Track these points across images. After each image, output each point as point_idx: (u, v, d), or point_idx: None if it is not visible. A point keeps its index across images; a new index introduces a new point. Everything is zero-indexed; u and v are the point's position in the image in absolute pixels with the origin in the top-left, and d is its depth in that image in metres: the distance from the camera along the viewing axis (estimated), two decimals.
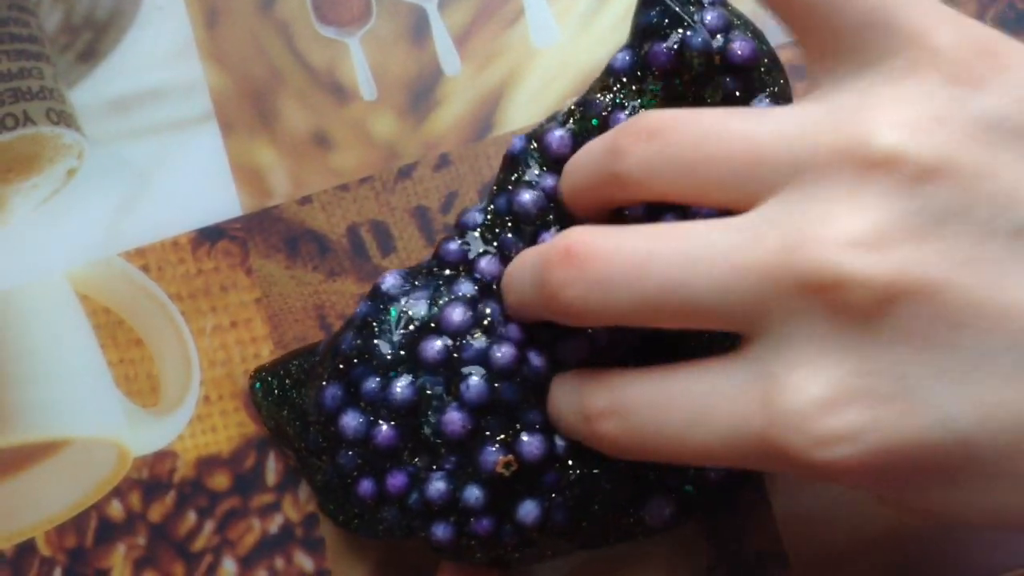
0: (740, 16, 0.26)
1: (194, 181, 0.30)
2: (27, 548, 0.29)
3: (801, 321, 0.18)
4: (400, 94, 0.30)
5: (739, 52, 0.25)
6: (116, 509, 0.29)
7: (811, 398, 0.17)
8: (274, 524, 0.29)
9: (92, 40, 0.31)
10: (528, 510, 0.24)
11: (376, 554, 0.28)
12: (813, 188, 0.18)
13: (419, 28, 0.30)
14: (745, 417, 0.18)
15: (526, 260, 0.23)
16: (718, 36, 0.25)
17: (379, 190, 0.29)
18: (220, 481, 0.29)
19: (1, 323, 0.30)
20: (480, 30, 0.30)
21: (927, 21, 0.19)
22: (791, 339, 0.18)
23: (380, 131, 0.30)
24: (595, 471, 0.25)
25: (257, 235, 0.30)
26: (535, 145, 0.26)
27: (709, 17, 0.25)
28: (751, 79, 0.25)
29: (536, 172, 0.26)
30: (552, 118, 0.26)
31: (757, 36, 0.26)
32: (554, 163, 0.26)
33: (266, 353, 0.29)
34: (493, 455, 0.24)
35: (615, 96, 0.26)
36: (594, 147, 0.22)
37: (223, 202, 0.30)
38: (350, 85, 0.30)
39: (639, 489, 0.25)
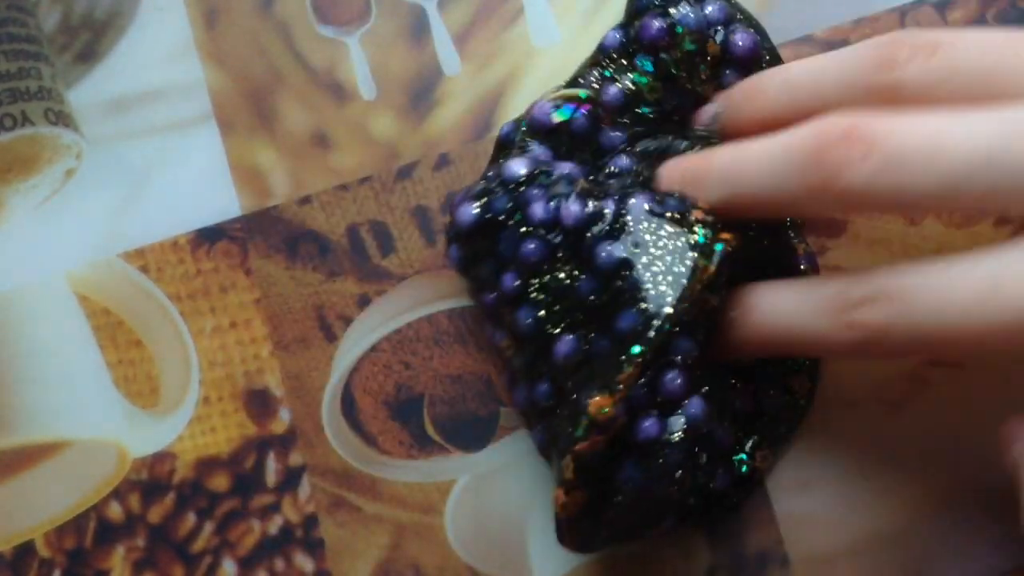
0: (743, 11, 0.26)
1: (193, 181, 0.30)
2: (26, 549, 0.29)
3: None
4: (400, 94, 0.30)
5: (740, 44, 0.25)
6: (115, 510, 0.29)
7: None
8: (274, 525, 0.29)
9: (91, 40, 0.30)
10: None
11: (376, 554, 0.28)
12: None
13: (419, 28, 0.30)
14: None
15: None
16: (719, 28, 0.25)
17: (379, 190, 0.29)
18: (220, 482, 0.29)
19: (0, 324, 0.30)
20: (480, 30, 0.30)
21: None
22: None
23: (380, 131, 0.30)
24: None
25: (257, 235, 0.30)
26: (524, 128, 0.26)
27: (710, 8, 0.25)
28: (752, 72, 0.25)
29: (526, 143, 0.26)
30: (541, 99, 0.27)
31: (758, 31, 0.26)
32: (542, 135, 0.26)
33: (265, 354, 0.29)
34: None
35: (605, 70, 0.26)
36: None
37: (222, 202, 0.30)
38: (350, 85, 0.30)
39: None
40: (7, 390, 0.29)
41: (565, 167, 0.25)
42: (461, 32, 0.30)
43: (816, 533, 0.27)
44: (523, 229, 0.24)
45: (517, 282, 0.24)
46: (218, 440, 0.29)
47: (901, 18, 0.28)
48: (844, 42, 0.28)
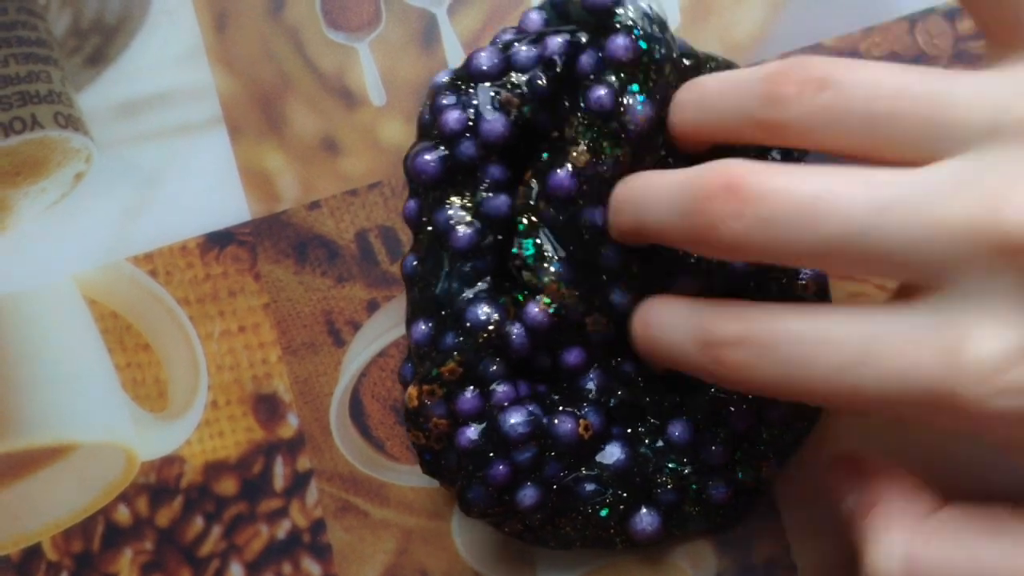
0: (658, 20, 0.25)
1: (202, 186, 0.30)
2: (34, 553, 0.29)
3: (995, 279, 0.18)
4: (409, 99, 0.30)
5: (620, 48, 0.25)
6: (123, 514, 0.29)
7: (997, 351, 0.18)
8: (281, 530, 0.29)
9: (101, 44, 0.30)
10: (529, 494, 0.25)
11: (383, 559, 0.28)
12: (1010, 151, 0.18)
13: (429, 33, 0.30)
14: (918, 363, 0.18)
15: (663, 185, 0.22)
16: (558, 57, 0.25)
17: (388, 196, 0.29)
18: (227, 486, 0.29)
19: (9, 327, 0.30)
20: (490, 35, 0.30)
21: None
22: (981, 295, 0.18)
23: (389, 136, 0.30)
24: (589, 476, 0.25)
25: (266, 240, 0.30)
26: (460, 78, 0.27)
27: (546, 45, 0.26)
28: (632, 74, 0.25)
29: (462, 91, 0.26)
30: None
31: (649, 39, 0.25)
32: (476, 76, 0.26)
33: (274, 358, 0.29)
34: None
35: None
36: (740, 88, 0.22)
37: (231, 207, 0.30)
38: (359, 90, 0.30)
39: (630, 499, 0.26)
40: (15, 393, 0.29)
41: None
42: (471, 38, 0.30)
43: (824, 542, 0.27)
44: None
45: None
46: (226, 444, 0.29)
47: (911, 27, 0.28)
48: (853, 51, 0.28)
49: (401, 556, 0.28)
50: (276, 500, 0.29)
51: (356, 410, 0.29)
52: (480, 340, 0.25)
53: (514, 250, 0.25)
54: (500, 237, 0.26)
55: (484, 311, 0.25)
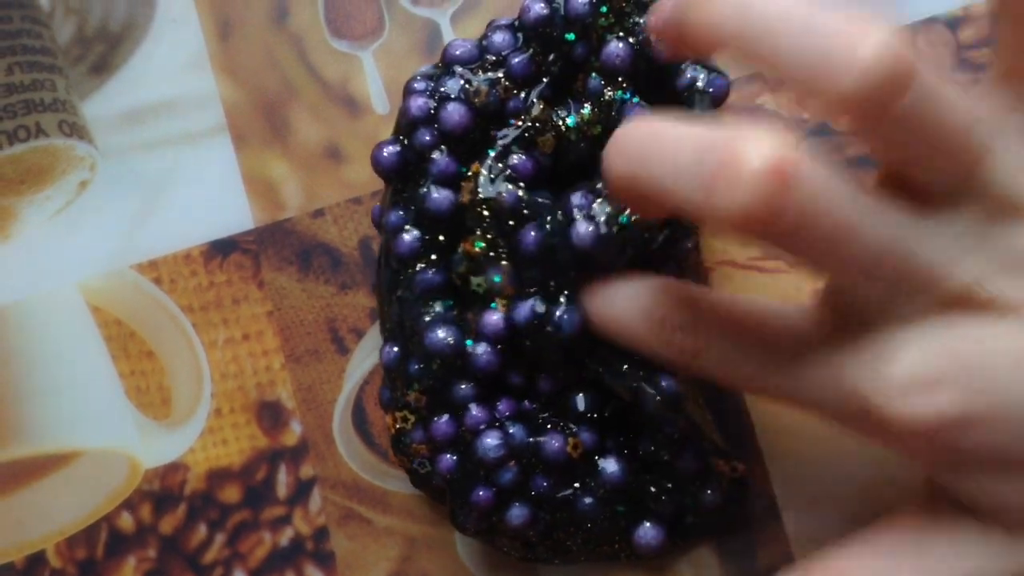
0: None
1: (206, 193, 0.30)
2: (37, 560, 0.29)
3: (931, 319, 0.20)
4: None
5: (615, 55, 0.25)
6: (127, 521, 0.29)
7: (918, 369, 0.19)
8: (284, 537, 0.29)
9: (105, 52, 0.31)
10: (517, 514, 0.25)
11: (386, 567, 0.28)
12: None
13: (432, 42, 0.30)
14: (846, 374, 0.20)
15: (683, 144, 0.19)
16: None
17: None
18: (231, 494, 0.29)
19: (13, 334, 0.30)
20: None
21: None
22: (914, 326, 0.20)
23: None
24: (587, 491, 0.25)
25: (269, 248, 0.30)
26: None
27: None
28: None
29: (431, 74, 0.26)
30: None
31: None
32: (450, 63, 0.26)
33: (277, 366, 0.29)
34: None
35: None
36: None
37: (235, 215, 0.30)
38: (363, 99, 0.30)
39: (631, 513, 0.26)
40: (19, 400, 0.30)
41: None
42: None
43: (826, 549, 0.27)
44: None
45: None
46: (230, 452, 0.29)
47: (913, 36, 0.28)
48: None
49: (404, 564, 0.28)
50: (279, 508, 0.29)
51: (359, 418, 0.29)
52: (435, 366, 0.25)
53: (459, 250, 0.25)
54: (442, 238, 0.25)
55: (439, 336, 0.25)
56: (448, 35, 0.30)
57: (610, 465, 0.25)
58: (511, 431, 0.25)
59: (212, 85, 0.30)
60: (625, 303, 0.23)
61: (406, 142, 0.26)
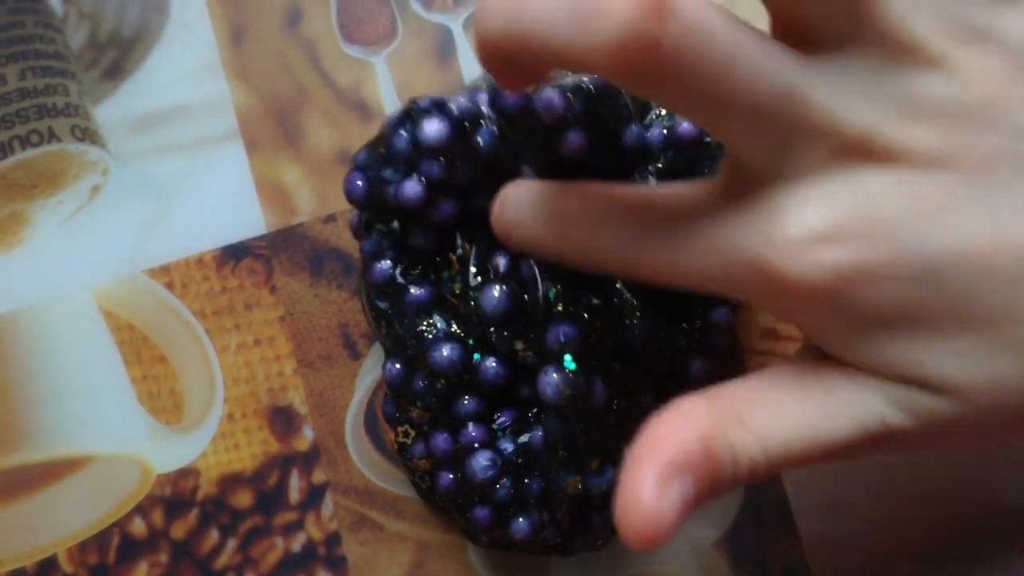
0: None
1: (219, 199, 0.30)
2: (49, 565, 0.29)
3: (829, 169, 0.18)
4: None
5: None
6: (139, 526, 0.29)
7: (816, 225, 0.18)
8: (297, 542, 0.29)
9: (118, 57, 0.31)
10: (519, 527, 0.25)
11: (398, 572, 0.28)
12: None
13: (444, 47, 0.30)
14: (741, 236, 0.19)
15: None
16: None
17: None
18: (243, 499, 0.29)
19: (26, 339, 0.30)
20: None
21: None
22: (809, 179, 0.18)
23: None
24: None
25: (282, 253, 0.30)
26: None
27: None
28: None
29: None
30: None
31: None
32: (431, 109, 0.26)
33: (289, 371, 0.29)
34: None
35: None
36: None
37: (248, 220, 0.30)
38: (375, 104, 0.30)
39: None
40: (32, 405, 0.30)
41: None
42: None
43: (839, 552, 0.27)
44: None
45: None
46: (242, 457, 0.29)
47: None
48: None
49: (417, 569, 0.28)
50: (291, 513, 0.29)
51: (371, 423, 0.29)
52: (439, 385, 0.25)
53: (457, 251, 0.25)
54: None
55: (444, 354, 0.25)
56: (460, 40, 0.30)
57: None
58: (502, 446, 0.25)
59: (225, 90, 0.30)
60: (519, 205, 0.23)
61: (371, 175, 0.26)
